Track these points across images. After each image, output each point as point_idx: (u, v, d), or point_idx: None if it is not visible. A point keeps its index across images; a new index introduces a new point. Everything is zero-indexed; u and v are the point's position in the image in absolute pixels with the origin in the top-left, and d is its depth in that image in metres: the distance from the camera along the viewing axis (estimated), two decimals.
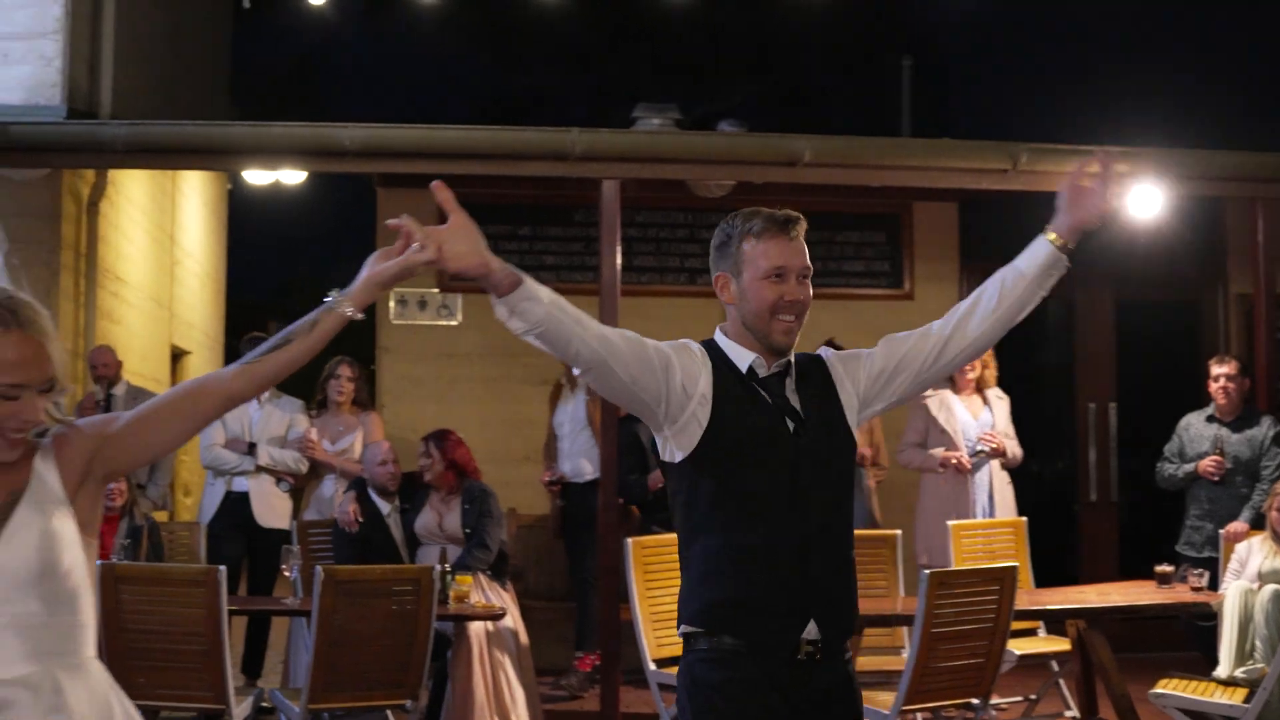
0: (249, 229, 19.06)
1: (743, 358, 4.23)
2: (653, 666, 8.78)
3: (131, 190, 13.76)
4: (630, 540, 9.01)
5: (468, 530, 9.23)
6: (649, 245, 12.85)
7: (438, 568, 8.00)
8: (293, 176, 12.83)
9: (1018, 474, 12.51)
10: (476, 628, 8.73)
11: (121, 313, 13.44)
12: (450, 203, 3.93)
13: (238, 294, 19.94)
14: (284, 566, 8.61)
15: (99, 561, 7.57)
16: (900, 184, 10.52)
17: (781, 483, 4.11)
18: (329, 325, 3.65)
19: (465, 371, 12.43)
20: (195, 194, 16.89)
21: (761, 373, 4.22)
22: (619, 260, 10.01)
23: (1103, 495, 12.70)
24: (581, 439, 11.02)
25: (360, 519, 9.32)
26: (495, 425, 11.93)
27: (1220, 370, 10.22)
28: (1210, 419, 10.27)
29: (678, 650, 8.88)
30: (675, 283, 12.85)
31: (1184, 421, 10.46)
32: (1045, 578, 10.21)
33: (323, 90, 26.93)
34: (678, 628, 4.19)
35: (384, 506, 9.44)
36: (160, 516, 11.17)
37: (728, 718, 4.04)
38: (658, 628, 8.97)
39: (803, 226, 4.30)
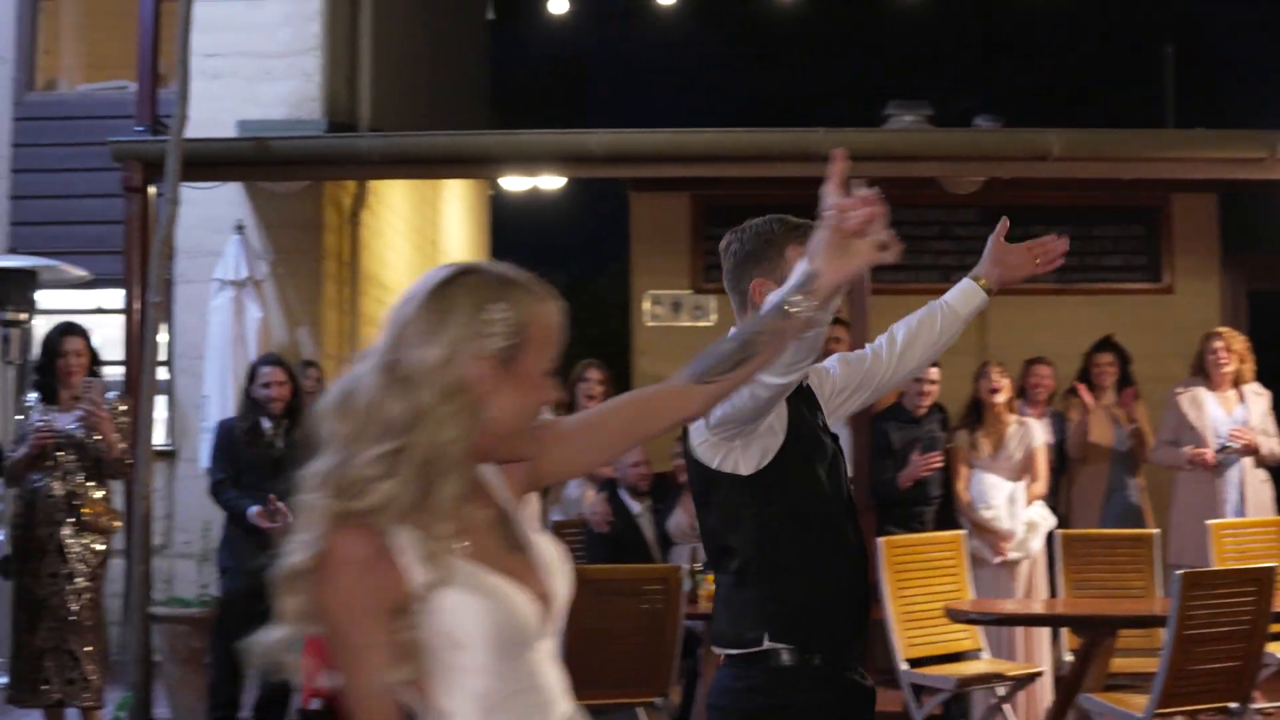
0: (511, 233, 19.37)
1: None
2: (904, 666, 8.77)
3: (392, 198, 14.13)
4: (882, 540, 9.00)
5: None
6: (903, 243, 12.74)
7: (686, 566, 8.06)
8: (550, 181, 13.05)
9: None
10: None
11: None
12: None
13: None
14: None
15: None
16: (1153, 175, 10.31)
17: (839, 495, 4.09)
18: (791, 329, 3.10)
19: None
20: (456, 200, 17.25)
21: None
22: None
23: None
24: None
25: (611, 519, 9.43)
26: None
27: None
28: None
29: (931, 650, 8.91)
30: (929, 280, 12.73)
31: None
32: None
33: (582, 96, 27.26)
34: (738, 645, 3.97)
35: (635, 506, 9.54)
36: None
37: None
38: (909, 627, 8.94)
39: None
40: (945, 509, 10.08)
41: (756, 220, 4.16)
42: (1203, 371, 10.19)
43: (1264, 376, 11.46)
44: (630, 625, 7.79)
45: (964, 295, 4.56)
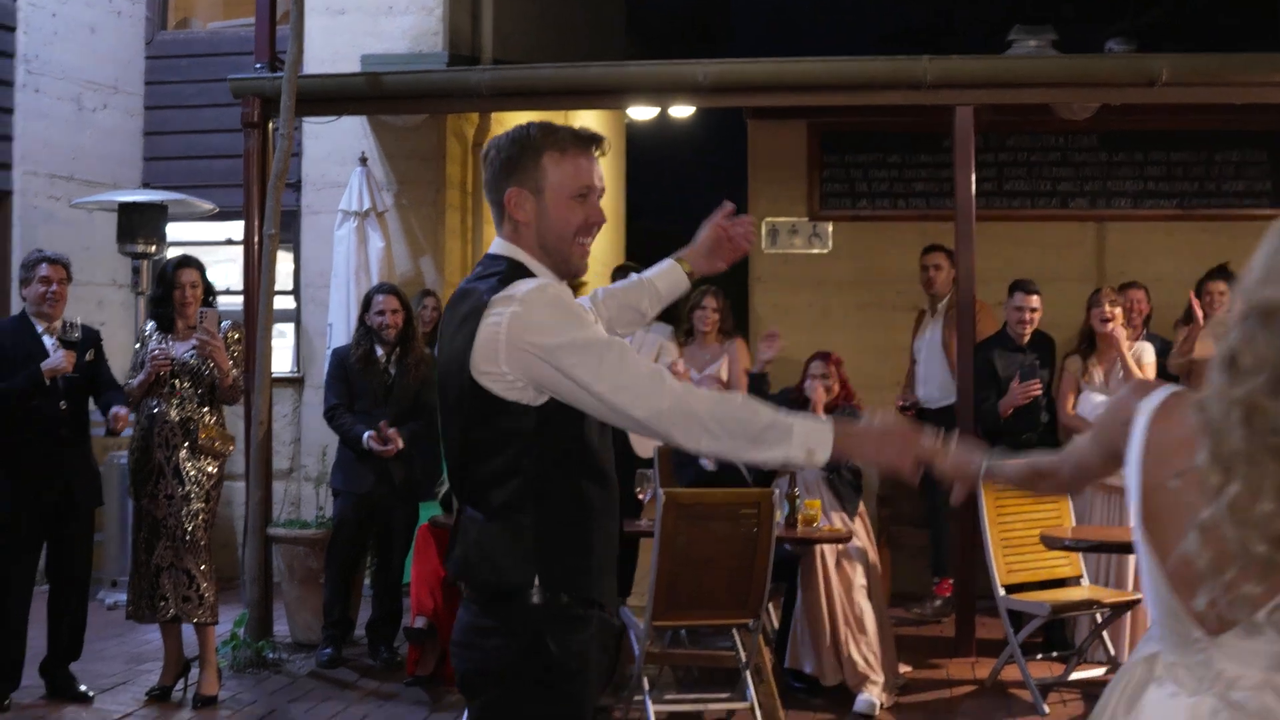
0: (643, 161, 19.45)
1: None
2: (1002, 592, 8.83)
3: None
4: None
5: None
6: (1020, 169, 12.70)
7: (777, 491, 8.17)
8: (679, 110, 13.09)
9: None
10: (826, 550, 8.89)
11: None
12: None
13: (643, 222, 20.37)
14: (638, 490, 8.92)
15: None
16: (1264, 100, 10.11)
17: (605, 432, 3.86)
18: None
19: (837, 299, 12.53)
20: (589, 128, 17.37)
21: None
22: (973, 186, 9.96)
23: None
24: (935, 365, 11.05)
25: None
26: (867, 352, 11.99)
27: None
28: None
29: (1030, 576, 8.94)
30: (1047, 206, 12.68)
31: None
32: None
33: (724, 26, 27.20)
34: (515, 590, 3.67)
35: None
36: None
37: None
38: (1008, 554, 9.01)
39: (607, 146, 3.93)
40: (1051, 437, 10.07)
41: (516, 126, 3.89)
42: None
43: None
44: (724, 549, 7.92)
45: (665, 274, 4.56)
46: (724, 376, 10.34)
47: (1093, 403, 9.77)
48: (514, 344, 3.55)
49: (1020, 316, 10.19)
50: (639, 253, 18.66)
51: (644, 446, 10.41)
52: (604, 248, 17.70)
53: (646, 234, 19.63)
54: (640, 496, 8.80)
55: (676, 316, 10.89)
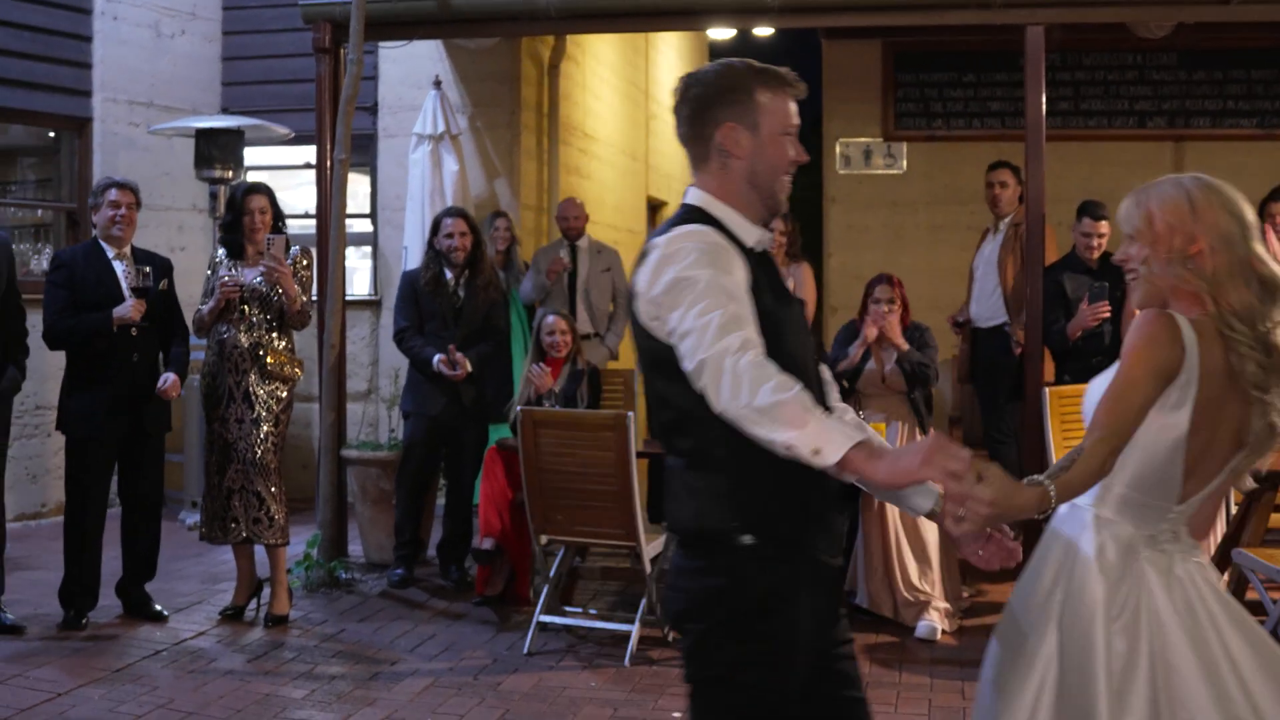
0: None
1: (748, 234, 3.81)
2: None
3: (597, 49, 14.29)
4: (1048, 389, 9.00)
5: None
6: (1098, 88, 12.58)
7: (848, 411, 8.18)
8: (759, 29, 13.03)
9: None
10: None
11: (591, 168, 14.03)
12: None
13: None
14: None
15: (519, 407, 8.13)
16: None
17: (809, 370, 3.84)
18: None
19: (910, 219, 12.51)
20: (670, 48, 17.35)
21: (759, 249, 3.85)
22: (1044, 106, 9.87)
23: None
24: (990, 284, 10.96)
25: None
26: (940, 273, 11.97)
27: None
28: None
29: None
30: (1124, 126, 12.56)
31: None
32: None
33: None
34: (715, 534, 3.68)
35: None
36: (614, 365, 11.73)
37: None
38: None
39: (804, 90, 3.88)
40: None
41: (716, 63, 3.84)
42: None
43: None
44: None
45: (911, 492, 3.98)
46: None
47: None
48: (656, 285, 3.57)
49: (1088, 242, 10.11)
50: None
51: None
52: (684, 167, 17.68)
53: None
54: None
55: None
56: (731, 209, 3.78)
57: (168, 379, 8.46)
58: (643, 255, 3.69)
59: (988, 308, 10.91)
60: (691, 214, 3.75)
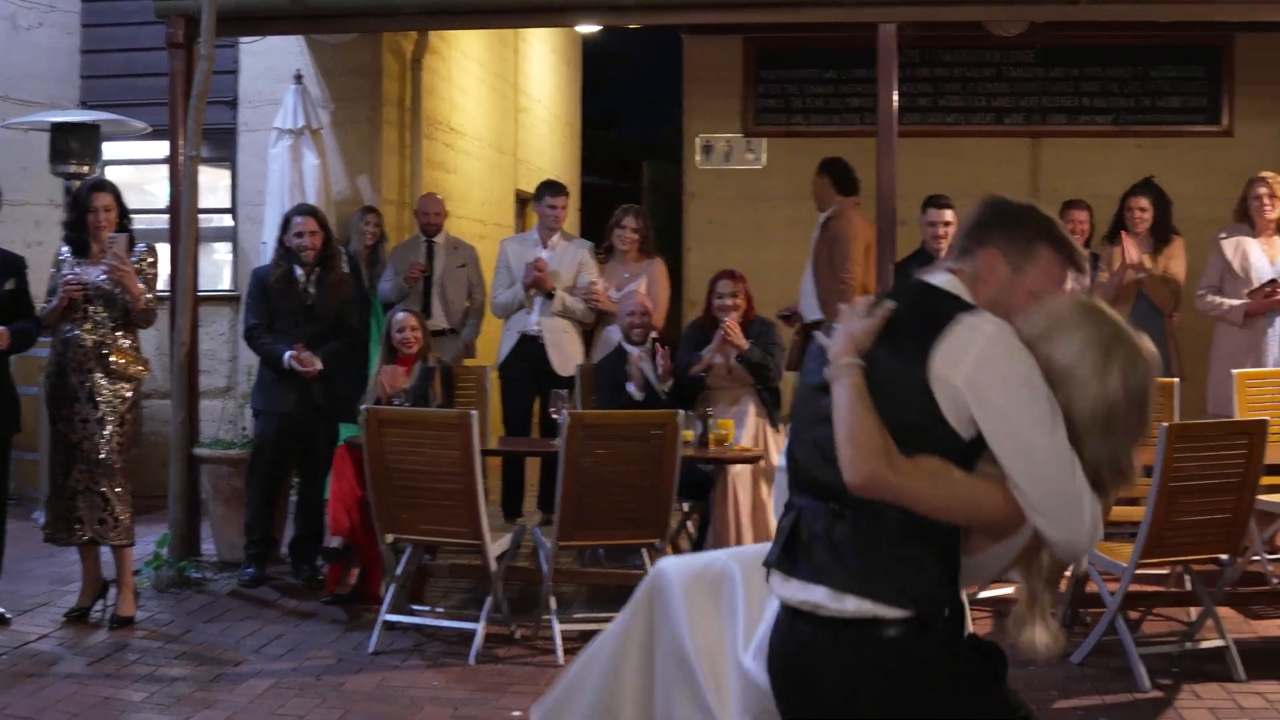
0: (598, 76, 19.41)
1: None
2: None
3: (464, 43, 14.26)
4: None
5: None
6: (956, 85, 12.72)
7: (682, 413, 8.24)
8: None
9: None
10: (739, 469, 8.99)
11: (456, 163, 14.00)
12: None
13: (596, 130, 20.33)
14: (552, 410, 8.99)
15: (362, 404, 8.12)
16: (1186, 18, 10.09)
17: None
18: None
19: (770, 214, 12.57)
20: (541, 42, 17.32)
21: None
22: (895, 103, 9.97)
23: None
24: (808, 279, 11.07)
25: (665, 368, 9.56)
26: (800, 268, 12.00)
27: None
28: None
29: None
30: (982, 122, 12.71)
31: None
32: None
33: None
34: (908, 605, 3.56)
35: (634, 351, 9.72)
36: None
37: None
38: None
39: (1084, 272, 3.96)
40: None
41: (1028, 203, 3.83)
42: (1247, 217, 10.09)
43: None
44: (627, 469, 8.03)
45: None
46: (642, 291, 10.36)
47: None
48: (976, 377, 3.49)
49: (935, 231, 10.26)
50: (592, 161, 18.76)
51: (565, 365, 10.49)
52: (556, 160, 17.70)
53: (599, 141, 19.68)
54: (555, 416, 8.86)
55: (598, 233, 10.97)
56: None
57: None
58: (933, 317, 3.57)
59: (808, 302, 10.99)
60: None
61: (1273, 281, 9.78)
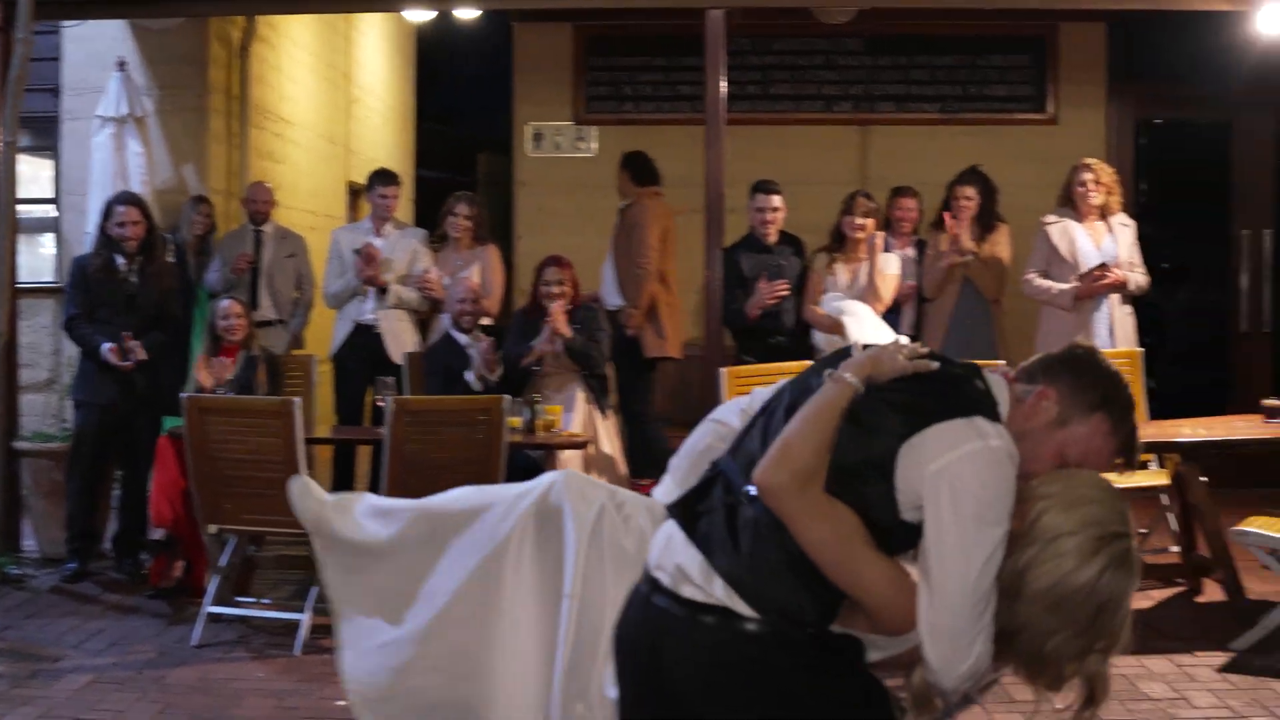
0: (432, 64, 19.27)
1: None
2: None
3: (293, 30, 14.07)
4: (724, 370, 9.15)
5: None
6: (785, 73, 12.81)
7: (508, 399, 8.21)
8: (465, 12, 12.91)
9: (1170, 302, 12.29)
10: (569, 455, 8.98)
11: (286, 152, 13.82)
12: None
13: (432, 123, 20.19)
14: (378, 398, 8.92)
15: (184, 393, 7.99)
16: (1014, 6, 10.22)
17: None
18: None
19: (601, 203, 12.46)
20: (374, 30, 17.15)
21: None
22: (723, 90, 10.02)
23: (1254, 325, 12.38)
24: (609, 266, 11.15)
25: (490, 359, 9.51)
26: None
27: None
28: None
29: None
30: (812, 110, 12.80)
31: None
32: (1199, 409, 10.03)
33: None
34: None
35: (462, 339, 9.69)
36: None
37: None
38: None
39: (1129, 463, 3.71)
40: (803, 338, 10.21)
41: (1117, 370, 3.68)
42: (1071, 203, 10.24)
43: (1151, 202, 11.55)
44: (453, 455, 7.99)
45: None
46: (475, 280, 10.31)
47: (833, 302, 9.89)
48: (945, 473, 3.36)
49: (763, 218, 10.31)
50: (427, 152, 18.62)
51: (398, 354, 10.41)
52: (389, 151, 17.55)
53: (435, 135, 19.56)
54: (380, 403, 8.79)
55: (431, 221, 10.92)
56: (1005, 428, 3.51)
57: None
58: (949, 405, 3.43)
59: (608, 289, 11.03)
60: (994, 409, 3.51)
61: (1102, 266, 9.94)
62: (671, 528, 3.59)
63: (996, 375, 3.60)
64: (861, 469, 3.39)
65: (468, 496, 4.37)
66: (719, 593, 3.43)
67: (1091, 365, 3.63)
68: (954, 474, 3.31)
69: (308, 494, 4.44)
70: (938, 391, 3.46)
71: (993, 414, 3.44)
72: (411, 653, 4.23)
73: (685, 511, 3.59)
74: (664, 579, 3.55)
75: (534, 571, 4.13)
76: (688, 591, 3.48)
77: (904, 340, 3.71)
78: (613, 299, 10.87)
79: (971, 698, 3.54)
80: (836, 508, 3.37)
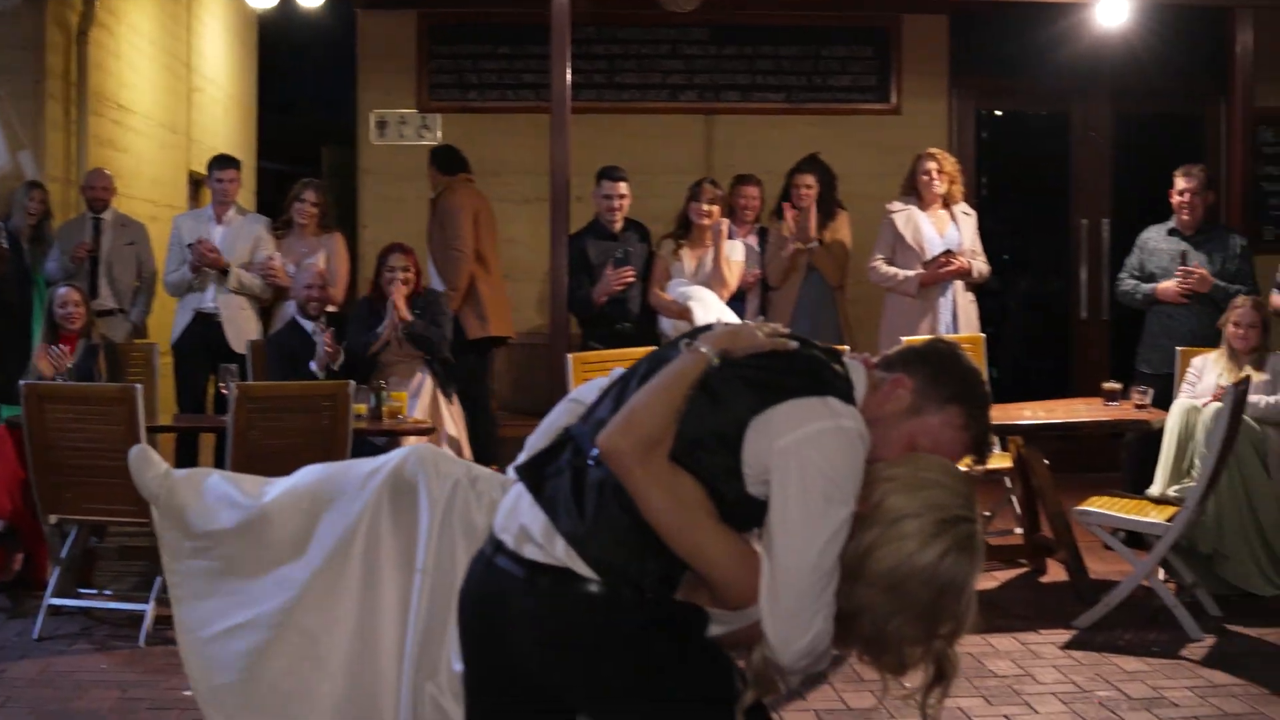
0: (274, 53, 19.05)
1: None
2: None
3: (134, 18, 13.89)
4: (571, 356, 9.18)
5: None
6: (631, 62, 12.82)
7: (353, 384, 8.17)
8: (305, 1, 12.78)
9: (1011, 291, 12.49)
10: (413, 442, 8.93)
11: (126, 141, 13.62)
12: None
13: (284, 116, 20.02)
14: (222, 385, 8.82)
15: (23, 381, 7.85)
16: None
17: None
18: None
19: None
20: (215, 19, 16.95)
21: None
22: (569, 78, 10.04)
23: (1093, 313, 12.61)
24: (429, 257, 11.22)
25: (331, 349, 9.41)
26: None
27: (1185, 184, 10.02)
28: (1171, 233, 10.12)
29: None
30: (658, 99, 12.84)
31: (1144, 236, 10.31)
32: (1040, 397, 10.23)
33: None
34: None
35: (308, 325, 9.62)
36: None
37: None
38: None
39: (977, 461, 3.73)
40: (648, 326, 10.25)
41: (963, 357, 3.69)
42: (915, 191, 10.37)
43: (992, 192, 11.71)
44: (297, 442, 7.93)
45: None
46: (321, 266, 10.23)
47: (679, 287, 9.94)
48: (794, 449, 3.34)
49: (609, 204, 10.36)
50: (270, 144, 18.45)
51: (242, 343, 10.30)
52: (232, 141, 17.35)
53: (278, 126, 19.37)
54: (224, 391, 8.69)
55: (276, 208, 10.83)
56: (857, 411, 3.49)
57: None
58: (799, 384, 3.42)
59: (435, 281, 11.01)
60: (849, 390, 3.51)
61: (947, 252, 10.09)
62: (519, 490, 3.58)
63: (856, 361, 3.61)
64: (709, 441, 3.39)
65: (317, 475, 4.34)
66: (560, 553, 3.41)
67: (952, 359, 3.65)
68: (802, 451, 3.30)
69: (147, 463, 4.37)
70: (793, 370, 3.46)
71: (847, 396, 3.45)
72: (263, 639, 4.18)
73: (533, 474, 3.57)
74: (507, 540, 3.53)
75: (389, 547, 4.11)
76: (529, 552, 3.46)
77: (763, 320, 3.74)
78: (435, 283, 10.85)
79: (798, 691, 3.56)
80: (680, 477, 3.36)
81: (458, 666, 3.79)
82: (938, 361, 3.62)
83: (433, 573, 4.01)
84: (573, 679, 3.50)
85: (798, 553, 3.28)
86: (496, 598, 3.53)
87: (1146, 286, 10.02)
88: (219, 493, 4.27)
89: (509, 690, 3.59)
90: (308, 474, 4.33)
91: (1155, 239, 10.17)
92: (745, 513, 3.42)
